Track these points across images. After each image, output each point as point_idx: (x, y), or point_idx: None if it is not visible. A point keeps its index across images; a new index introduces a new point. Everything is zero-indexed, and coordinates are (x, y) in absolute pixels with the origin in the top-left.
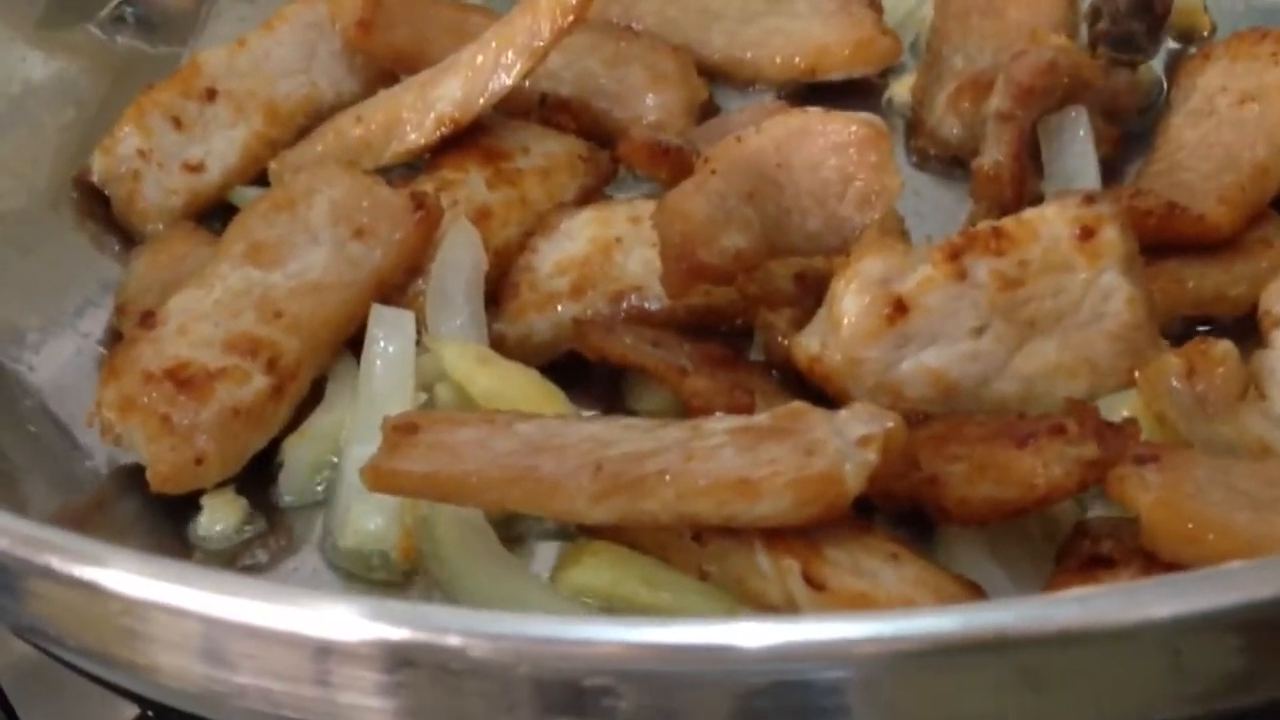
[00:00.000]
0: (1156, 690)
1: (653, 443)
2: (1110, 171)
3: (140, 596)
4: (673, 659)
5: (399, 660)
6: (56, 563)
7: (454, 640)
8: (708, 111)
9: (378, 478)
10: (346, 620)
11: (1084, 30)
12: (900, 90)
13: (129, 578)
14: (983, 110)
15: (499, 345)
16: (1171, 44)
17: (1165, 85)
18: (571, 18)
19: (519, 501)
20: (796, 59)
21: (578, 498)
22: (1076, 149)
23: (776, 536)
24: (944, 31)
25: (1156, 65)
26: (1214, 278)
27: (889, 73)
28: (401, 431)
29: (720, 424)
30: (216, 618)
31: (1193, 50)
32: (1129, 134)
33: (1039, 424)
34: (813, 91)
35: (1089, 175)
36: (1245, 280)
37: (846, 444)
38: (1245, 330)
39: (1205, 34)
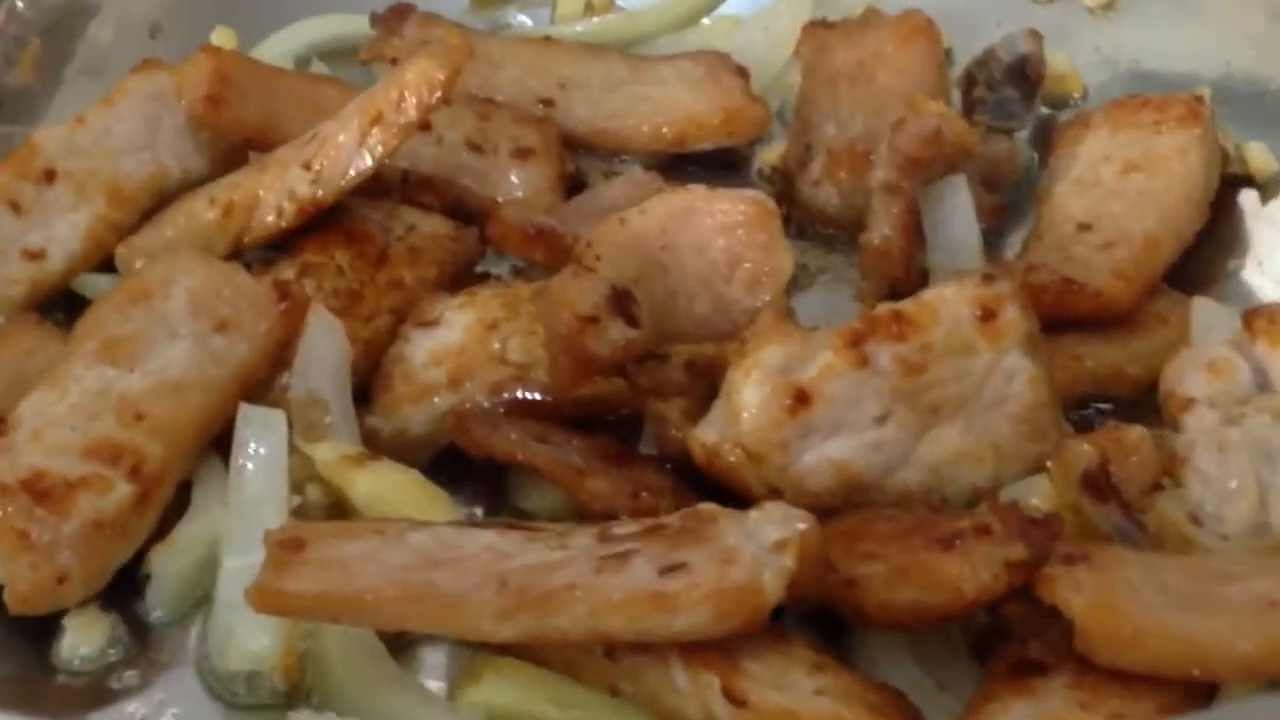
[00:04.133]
0: None
1: (557, 553)
2: (991, 242)
3: None
4: None
5: None
6: None
7: None
8: (574, 185)
9: (264, 599)
10: None
11: (955, 97)
12: (769, 159)
13: None
14: (865, 181)
15: (372, 441)
16: (1042, 110)
17: (1035, 153)
18: (439, 93)
19: (418, 621)
20: (664, 129)
21: (482, 616)
22: (959, 219)
23: (693, 650)
24: (813, 98)
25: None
26: (1111, 356)
27: (756, 141)
28: (286, 547)
29: (626, 529)
30: None
31: (1064, 116)
32: (1006, 204)
33: (959, 523)
34: (679, 162)
35: (972, 246)
36: (1143, 357)
37: (761, 549)
38: (1140, 408)
39: (1078, 98)
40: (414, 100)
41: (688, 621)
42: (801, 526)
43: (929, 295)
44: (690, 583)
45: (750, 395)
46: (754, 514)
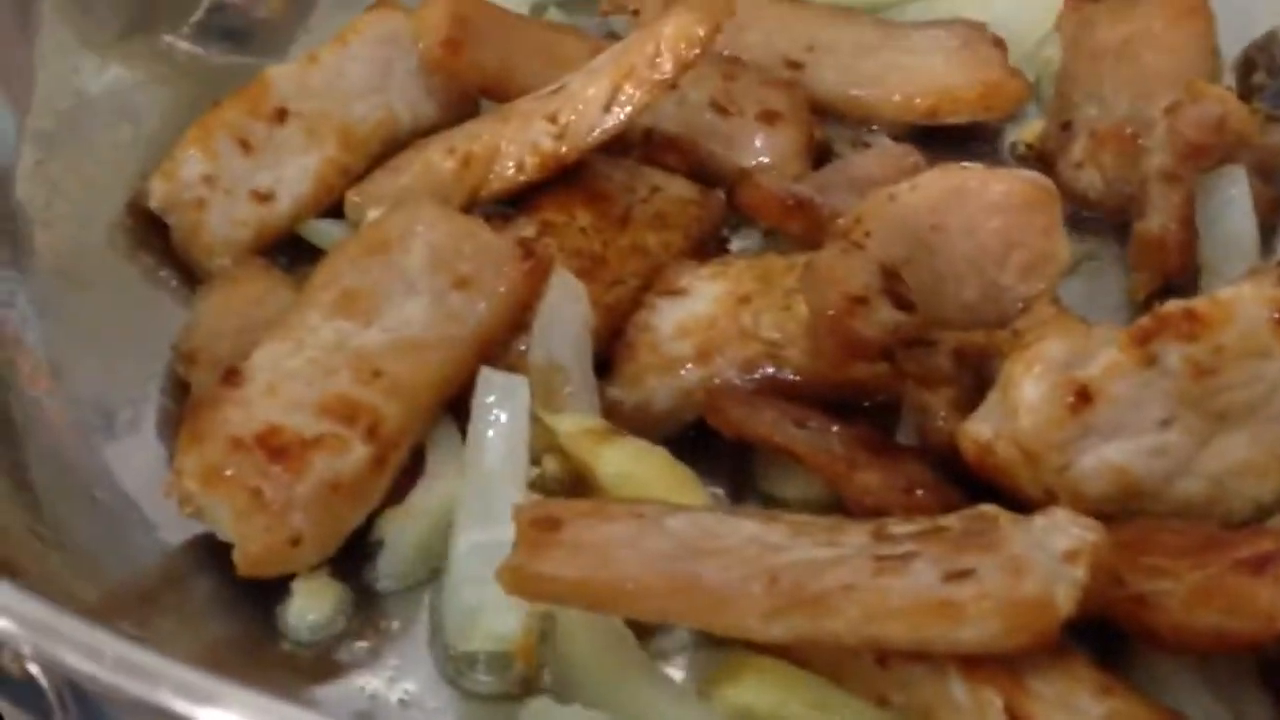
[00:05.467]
0: None
1: (829, 550)
2: (1265, 237)
3: None
4: None
5: None
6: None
7: None
8: (820, 153)
9: (518, 581)
10: None
11: (1227, 81)
12: (1025, 137)
13: None
14: (1131, 166)
15: (613, 413)
16: None
17: None
18: (697, 50)
19: (680, 614)
20: (917, 99)
21: (749, 613)
22: (1235, 212)
23: (974, 664)
24: (1074, 75)
25: None
26: None
27: (1009, 118)
28: (540, 526)
29: (903, 528)
30: None
31: None
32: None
33: (1263, 543)
34: (927, 135)
35: (1248, 241)
36: None
37: (1051, 560)
38: None
39: None
40: (671, 57)
41: (974, 633)
42: (1092, 537)
43: (1223, 294)
44: (979, 592)
45: (1031, 390)
46: (1040, 521)
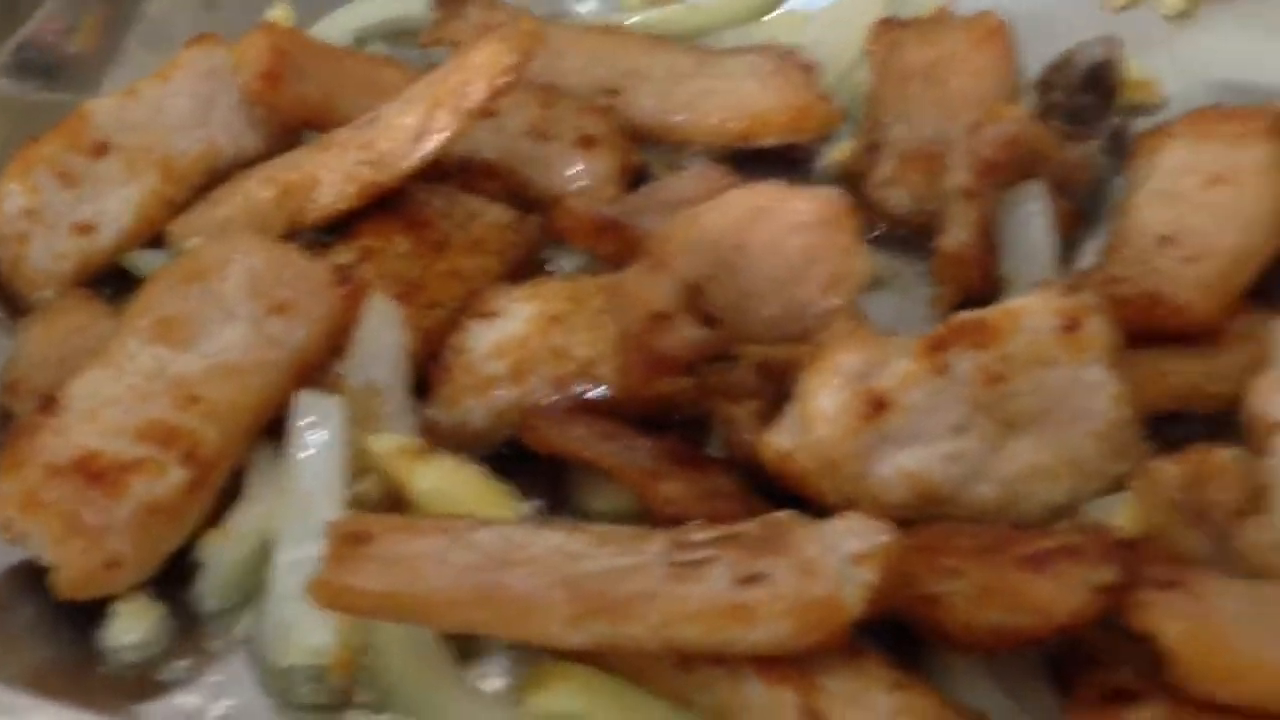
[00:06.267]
0: None
1: (630, 558)
2: (1063, 251)
3: None
4: None
5: None
6: None
7: None
8: (638, 177)
9: (327, 594)
10: None
11: (1028, 101)
12: (836, 158)
13: None
14: (940, 185)
15: (431, 433)
16: (1117, 118)
17: (1108, 161)
18: (507, 78)
19: (487, 624)
20: (731, 123)
21: (552, 620)
22: (1034, 226)
23: (769, 665)
24: (883, 98)
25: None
26: (1194, 372)
27: (823, 139)
28: (350, 541)
29: (701, 535)
30: None
31: (1137, 124)
32: (1079, 212)
33: (1046, 543)
34: (743, 157)
35: (1046, 254)
36: (1227, 375)
37: (842, 562)
38: (1220, 428)
39: (1154, 106)
40: (481, 85)
41: (766, 634)
42: (883, 539)
43: (1012, 304)
44: (771, 594)
45: (826, 401)
46: (834, 525)
